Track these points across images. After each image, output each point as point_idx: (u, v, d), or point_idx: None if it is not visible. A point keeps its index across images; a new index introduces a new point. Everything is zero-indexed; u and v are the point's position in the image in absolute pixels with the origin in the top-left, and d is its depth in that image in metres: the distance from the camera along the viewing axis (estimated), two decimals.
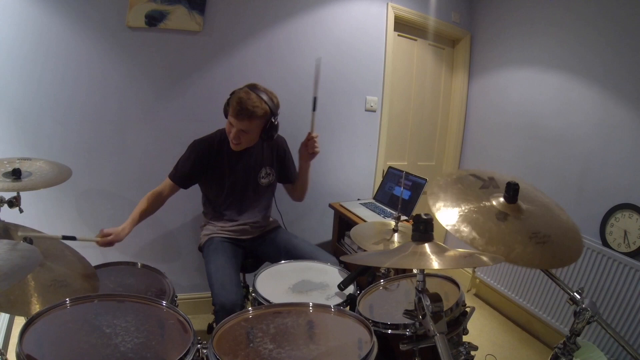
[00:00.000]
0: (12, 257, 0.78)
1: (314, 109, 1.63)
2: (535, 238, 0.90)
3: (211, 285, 1.48)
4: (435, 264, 0.82)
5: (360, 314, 1.10)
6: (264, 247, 1.81)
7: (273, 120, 1.60)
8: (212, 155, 1.67)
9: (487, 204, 0.97)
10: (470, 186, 1.05)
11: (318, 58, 1.67)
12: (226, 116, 1.63)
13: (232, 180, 1.71)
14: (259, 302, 1.26)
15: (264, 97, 1.56)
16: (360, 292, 1.30)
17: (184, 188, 1.69)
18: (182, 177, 1.66)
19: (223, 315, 1.37)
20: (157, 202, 1.64)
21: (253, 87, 1.58)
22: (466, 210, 0.93)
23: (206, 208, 1.82)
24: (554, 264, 0.88)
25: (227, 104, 1.59)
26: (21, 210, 1.35)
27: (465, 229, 0.88)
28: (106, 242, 1.44)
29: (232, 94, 1.58)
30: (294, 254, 1.66)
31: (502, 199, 1.00)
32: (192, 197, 1.81)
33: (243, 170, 1.72)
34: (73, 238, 1.30)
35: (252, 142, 1.67)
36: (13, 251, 0.80)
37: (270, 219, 1.92)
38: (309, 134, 1.69)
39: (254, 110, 1.52)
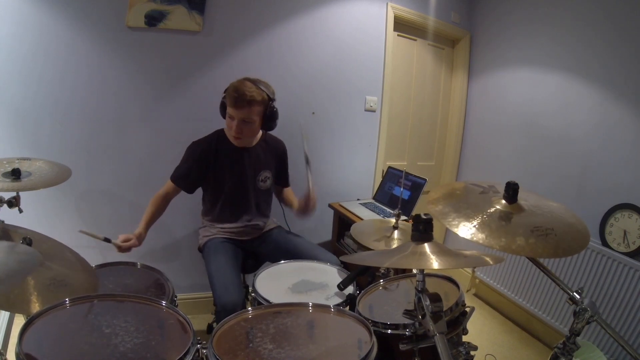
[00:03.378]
0: (10, 260, 0.78)
1: (307, 162, 1.62)
2: (537, 231, 0.90)
3: (212, 286, 1.48)
4: (435, 264, 0.82)
5: (360, 314, 1.10)
6: (263, 247, 1.80)
7: (272, 106, 1.61)
8: (210, 157, 1.67)
9: (491, 209, 0.98)
10: (471, 193, 1.07)
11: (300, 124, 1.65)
12: (224, 116, 1.63)
13: (231, 183, 1.71)
14: (258, 302, 1.26)
15: (259, 84, 1.58)
16: (359, 292, 1.30)
17: (187, 192, 1.70)
18: (182, 179, 1.66)
19: (224, 316, 1.37)
20: (163, 204, 1.66)
21: (246, 78, 1.59)
22: (479, 220, 0.94)
23: (206, 209, 1.82)
24: (558, 253, 0.88)
25: (223, 101, 1.60)
26: (20, 210, 1.35)
27: (481, 235, 0.90)
28: (128, 246, 1.48)
29: (226, 89, 1.59)
30: (294, 254, 1.66)
31: (503, 201, 1.00)
32: (192, 197, 1.81)
33: (242, 173, 1.71)
34: (109, 240, 1.41)
35: (255, 133, 1.67)
36: (11, 254, 0.80)
37: (271, 220, 1.92)
38: (309, 193, 1.69)
39: (252, 96, 1.52)
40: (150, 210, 1.62)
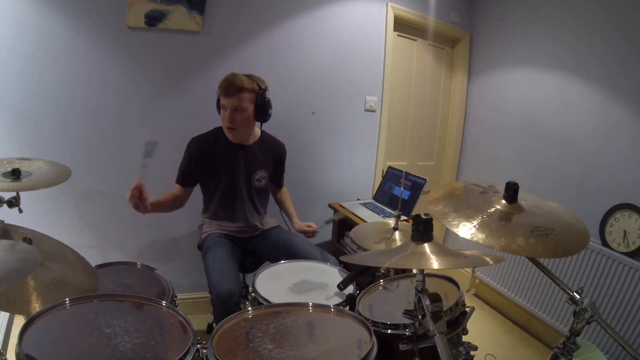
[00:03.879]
0: (10, 258, 0.78)
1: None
2: (537, 231, 0.90)
3: (208, 275, 1.49)
4: (435, 264, 0.82)
5: (360, 314, 1.10)
6: (263, 247, 1.81)
7: (264, 96, 1.63)
8: (208, 151, 1.68)
9: (491, 209, 0.98)
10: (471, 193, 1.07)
11: None
12: (219, 111, 1.65)
13: (227, 180, 1.71)
14: (258, 302, 1.26)
15: (251, 76, 1.62)
16: (359, 292, 1.30)
17: (189, 186, 1.70)
18: (182, 175, 1.68)
19: (219, 305, 1.37)
20: (172, 200, 1.67)
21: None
22: (479, 220, 0.95)
23: (205, 206, 1.83)
24: (558, 253, 0.88)
25: (218, 97, 1.63)
26: (20, 210, 1.35)
27: (481, 235, 0.91)
28: (135, 200, 1.41)
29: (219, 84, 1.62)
30: (293, 254, 1.66)
31: (503, 201, 1.00)
32: (192, 197, 1.81)
33: (237, 170, 1.72)
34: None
35: (248, 124, 1.67)
36: (11, 252, 0.80)
37: (269, 219, 1.92)
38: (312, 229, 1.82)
39: (241, 84, 1.56)
40: (162, 197, 1.64)
